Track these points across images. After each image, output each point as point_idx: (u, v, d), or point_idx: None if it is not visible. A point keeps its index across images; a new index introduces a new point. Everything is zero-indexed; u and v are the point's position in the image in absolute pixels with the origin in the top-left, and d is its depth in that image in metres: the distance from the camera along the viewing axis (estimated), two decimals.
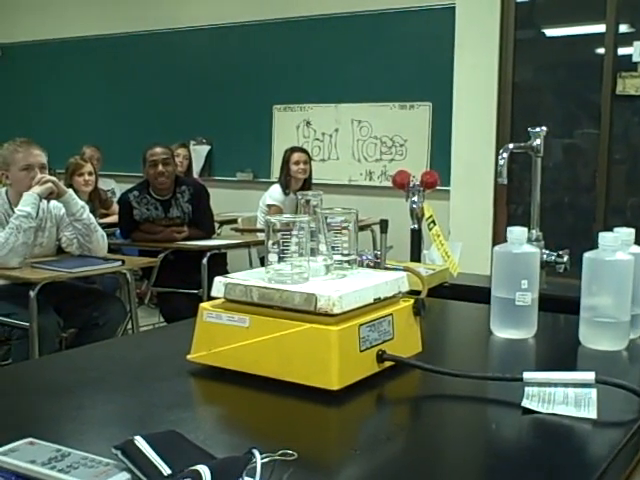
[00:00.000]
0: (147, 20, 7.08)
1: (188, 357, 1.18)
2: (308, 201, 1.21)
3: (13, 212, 3.32)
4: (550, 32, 5.43)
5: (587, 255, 1.35)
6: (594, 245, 1.35)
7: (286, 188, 5.27)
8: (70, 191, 3.53)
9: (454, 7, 5.39)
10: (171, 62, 7.06)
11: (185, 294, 4.28)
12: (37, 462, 0.77)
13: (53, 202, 3.50)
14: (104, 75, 7.50)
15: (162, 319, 4.77)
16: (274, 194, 5.30)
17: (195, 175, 6.32)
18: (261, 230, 4.84)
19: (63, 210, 3.51)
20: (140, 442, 0.79)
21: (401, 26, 5.89)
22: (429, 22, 5.75)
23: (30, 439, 0.83)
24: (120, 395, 1.11)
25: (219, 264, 4.42)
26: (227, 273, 1.24)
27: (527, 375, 1.08)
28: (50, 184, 3.38)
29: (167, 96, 7.07)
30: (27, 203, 3.31)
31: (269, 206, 5.24)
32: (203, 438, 0.87)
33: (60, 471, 0.76)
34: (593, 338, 1.36)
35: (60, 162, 4.93)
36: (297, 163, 5.30)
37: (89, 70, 7.57)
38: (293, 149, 5.44)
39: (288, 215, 1.18)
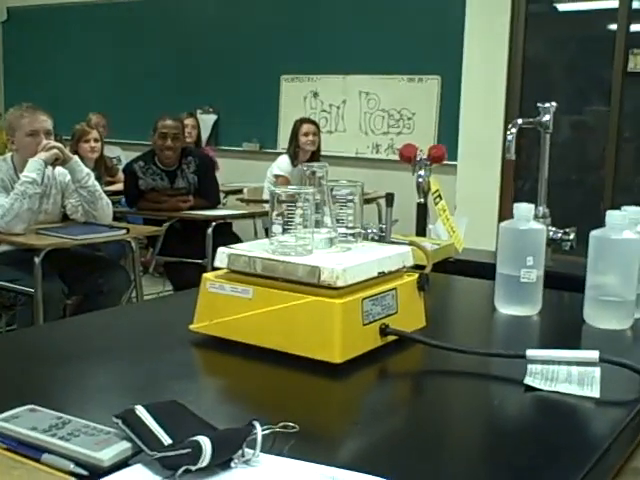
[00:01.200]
0: None
1: (191, 327, 1.18)
2: (314, 172, 1.20)
3: (18, 178, 3.31)
4: (562, 7, 5.37)
5: (594, 233, 1.34)
6: (601, 223, 1.34)
7: (294, 159, 5.25)
8: (76, 158, 3.52)
9: None
10: (178, 30, 7.00)
11: (194, 264, 4.28)
12: (38, 429, 0.77)
13: (58, 168, 3.50)
14: (111, 42, 7.45)
15: (167, 287, 4.78)
16: (282, 165, 5.29)
17: (204, 145, 6.29)
18: (266, 201, 4.83)
19: (68, 177, 3.50)
20: (141, 411, 0.79)
21: None
22: None
23: (32, 406, 0.83)
24: (122, 364, 1.11)
25: (225, 234, 4.42)
26: (234, 243, 1.24)
27: (530, 352, 1.07)
28: (55, 150, 3.37)
29: (174, 64, 7.03)
30: (32, 169, 3.30)
31: (276, 176, 5.23)
32: (204, 409, 0.86)
33: (61, 438, 0.76)
34: (598, 317, 1.35)
35: (66, 128, 4.91)
36: (306, 134, 5.28)
37: (96, 36, 7.52)
38: (302, 120, 5.42)
39: (293, 186, 1.17)
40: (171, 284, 4.57)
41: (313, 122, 5.46)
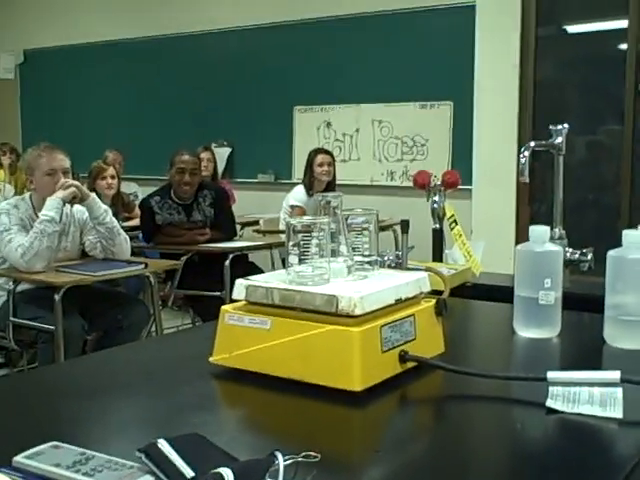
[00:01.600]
0: (169, 24, 7.12)
1: (210, 359, 1.18)
2: (328, 202, 1.21)
3: (37, 217, 3.35)
4: (571, 28, 5.39)
5: (611, 253, 1.34)
6: (618, 243, 1.33)
7: (309, 189, 5.28)
8: (93, 195, 3.56)
9: (474, 5, 5.38)
10: (191, 65, 7.09)
11: (213, 296, 4.29)
12: (62, 465, 0.78)
13: (77, 206, 3.54)
14: (126, 79, 7.55)
15: (186, 321, 4.80)
16: (297, 195, 5.31)
17: (219, 178, 6.33)
18: (283, 231, 4.85)
19: (86, 214, 3.53)
20: (163, 445, 0.79)
21: (421, 25, 5.87)
22: (450, 21, 5.72)
23: (55, 442, 0.84)
24: (143, 398, 1.12)
25: (243, 265, 4.43)
26: (253, 272, 1.25)
27: (551, 375, 1.07)
28: (73, 188, 3.41)
29: (188, 99, 7.11)
30: (51, 208, 3.34)
31: (292, 207, 5.26)
32: (226, 440, 0.87)
33: (85, 474, 0.76)
34: (618, 337, 1.34)
35: (83, 166, 4.97)
36: (321, 165, 5.31)
37: (111, 74, 7.63)
38: (317, 151, 5.45)
39: (308, 217, 1.18)
40: (199, 317, 4.57)
41: (328, 152, 5.49)
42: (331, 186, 5.31)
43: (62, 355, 3.18)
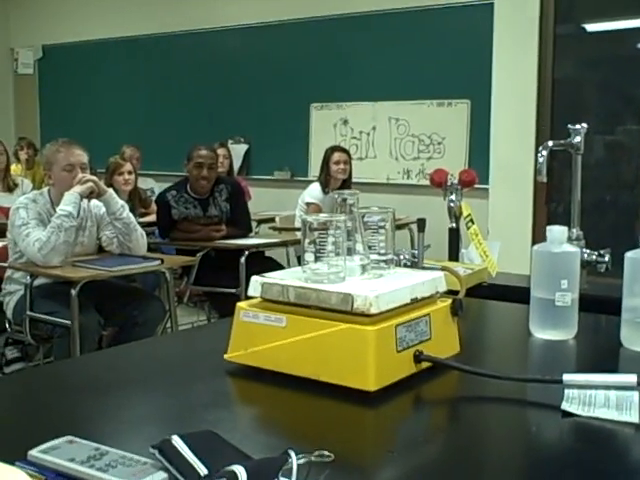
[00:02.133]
0: (185, 20, 7.14)
1: (225, 356, 1.18)
2: (345, 200, 1.21)
3: (55, 211, 3.37)
4: (590, 27, 5.35)
5: (629, 254, 1.33)
6: (636, 244, 1.32)
7: (325, 187, 5.28)
8: (110, 190, 3.57)
9: (492, 3, 5.35)
10: (208, 62, 7.11)
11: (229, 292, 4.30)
12: (76, 460, 0.78)
13: (94, 201, 3.55)
14: (143, 75, 7.58)
15: (202, 317, 4.81)
16: (313, 192, 5.32)
17: (235, 175, 6.35)
18: (299, 229, 4.85)
19: (103, 209, 3.55)
20: (177, 441, 0.80)
21: (439, 23, 5.85)
22: (467, 19, 5.70)
23: (70, 437, 0.84)
24: (158, 394, 1.12)
25: (259, 262, 4.44)
26: (270, 268, 1.25)
27: (567, 377, 1.06)
28: (91, 183, 3.42)
29: (205, 96, 7.12)
30: (68, 202, 3.35)
31: (308, 204, 5.26)
32: (239, 438, 0.87)
33: (99, 469, 0.76)
34: (635, 339, 1.33)
35: (101, 162, 4.99)
36: (337, 163, 5.31)
37: (128, 70, 7.66)
38: (334, 148, 5.45)
39: (324, 214, 1.18)
40: (216, 312, 4.58)
41: (344, 150, 5.49)
42: (347, 184, 5.31)
43: (78, 350, 3.19)
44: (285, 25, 6.61)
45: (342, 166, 5.31)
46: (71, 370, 1.32)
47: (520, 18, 5.23)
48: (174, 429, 0.83)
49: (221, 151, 5.87)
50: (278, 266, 4.46)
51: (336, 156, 5.33)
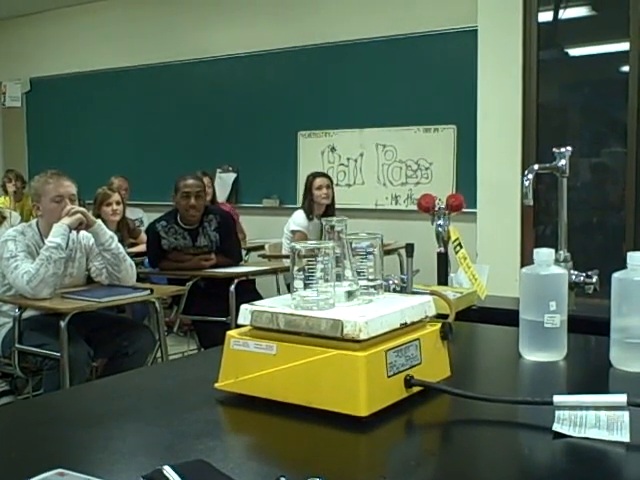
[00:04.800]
0: (172, 51, 7.19)
1: (216, 385, 1.18)
2: (332, 227, 1.22)
3: (44, 243, 3.37)
4: (573, 51, 5.42)
5: (616, 275, 1.34)
6: (623, 265, 1.33)
7: (310, 213, 5.30)
8: (99, 221, 3.57)
9: (476, 30, 5.41)
10: (196, 92, 7.15)
11: (220, 321, 4.28)
12: None
13: (82, 232, 3.55)
14: (131, 106, 7.61)
15: (192, 347, 4.78)
16: (298, 220, 5.33)
17: (221, 202, 6.36)
18: (287, 256, 4.86)
19: (92, 240, 3.55)
20: (168, 472, 0.79)
21: (424, 50, 5.92)
22: (451, 45, 5.77)
23: (60, 469, 0.84)
24: (149, 424, 1.11)
25: (249, 291, 4.43)
26: (257, 299, 1.25)
27: (557, 398, 1.06)
28: (79, 215, 3.42)
29: (192, 125, 7.15)
30: (57, 234, 3.35)
31: (293, 232, 5.27)
32: (232, 467, 0.86)
33: None
34: (624, 360, 1.34)
35: (89, 193, 5.00)
36: (320, 188, 5.34)
37: (115, 102, 7.69)
38: (315, 174, 5.48)
39: (313, 241, 1.18)
40: (200, 342, 4.55)
41: (326, 175, 5.52)
42: (330, 209, 5.33)
43: (67, 382, 3.17)
44: (271, 55, 6.66)
45: (325, 191, 5.34)
46: (61, 402, 1.31)
47: (504, 44, 5.29)
48: (165, 459, 0.83)
49: (204, 180, 5.90)
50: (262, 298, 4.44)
51: (318, 181, 5.36)
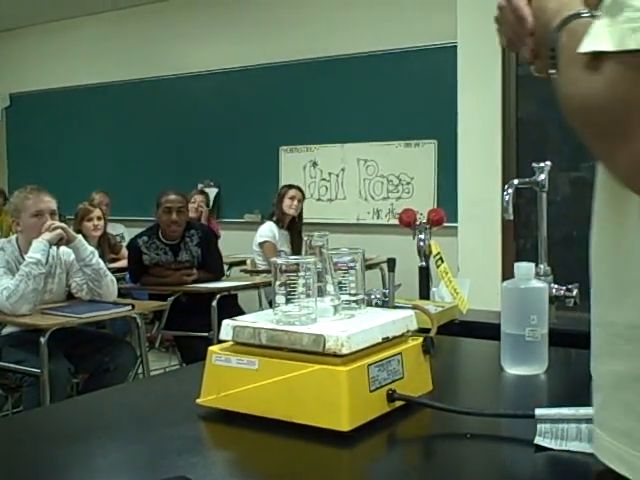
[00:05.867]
0: (153, 67, 7.19)
1: (198, 401, 1.18)
2: (314, 242, 1.22)
3: (23, 259, 3.34)
4: None
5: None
6: None
7: (279, 222, 5.35)
8: (79, 237, 3.55)
9: (456, 46, 5.45)
10: (177, 107, 7.15)
11: (202, 337, 4.26)
12: None
13: (63, 248, 3.53)
14: (111, 121, 7.60)
15: (173, 362, 4.76)
16: (264, 232, 5.37)
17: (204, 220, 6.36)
18: (268, 271, 4.86)
19: (73, 256, 3.53)
20: None
21: (404, 66, 5.96)
22: (431, 61, 5.82)
23: None
24: (131, 441, 1.11)
25: (231, 306, 4.42)
26: (239, 314, 1.25)
27: (539, 411, 1.07)
28: (60, 230, 3.40)
29: (174, 141, 7.15)
30: (37, 250, 3.33)
31: (261, 244, 5.30)
32: None
33: None
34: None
35: (70, 208, 4.97)
36: (292, 198, 5.39)
37: (97, 117, 7.68)
38: (290, 185, 5.55)
39: (294, 256, 1.18)
40: (181, 358, 4.52)
41: (300, 189, 5.56)
42: (297, 224, 5.37)
43: (48, 399, 3.14)
44: (253, 70, 6.68)
45: (295, 202, 5.39)
46: (41, 419, 1.30)
47: (483, 60, 5.34)
48: (147, 476, 0.82)
49: (198, 197, 5.98)
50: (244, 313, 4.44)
51: (291, 192, 5.43)
